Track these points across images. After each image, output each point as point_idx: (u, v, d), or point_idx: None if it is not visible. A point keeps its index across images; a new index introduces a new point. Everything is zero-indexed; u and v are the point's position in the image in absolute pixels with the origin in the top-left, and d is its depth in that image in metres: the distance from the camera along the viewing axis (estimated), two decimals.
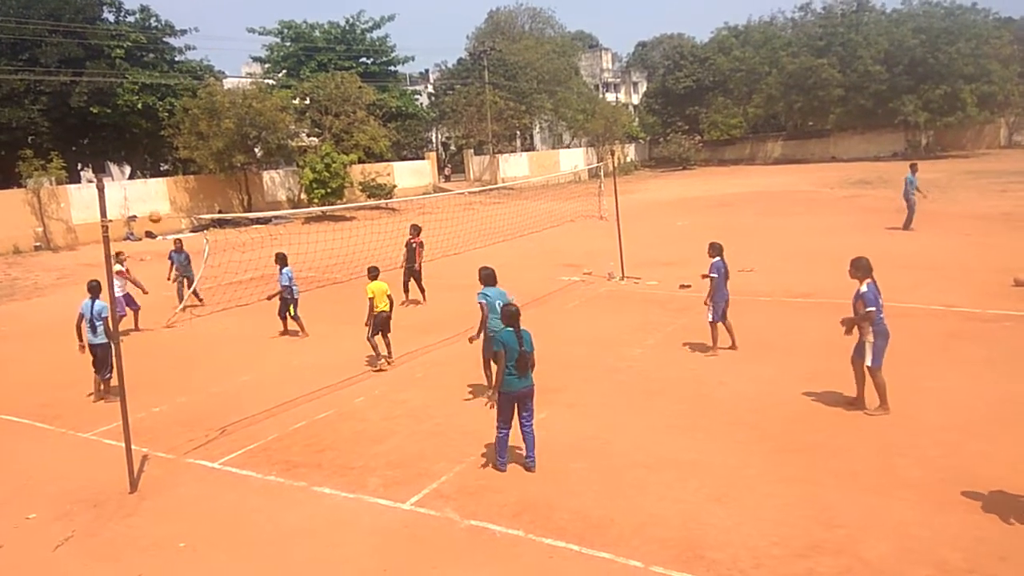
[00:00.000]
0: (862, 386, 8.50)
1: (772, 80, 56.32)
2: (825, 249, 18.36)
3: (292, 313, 13.51)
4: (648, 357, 11.13)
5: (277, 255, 13.80)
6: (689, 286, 15.51)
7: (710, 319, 10.95)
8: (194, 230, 28.78)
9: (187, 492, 7.55)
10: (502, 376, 7.28)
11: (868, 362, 8.29)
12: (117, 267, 13.44)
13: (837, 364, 9.45)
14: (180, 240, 17.29)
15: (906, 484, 6.72)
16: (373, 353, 11.39)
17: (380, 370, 11.15)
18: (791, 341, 11.31)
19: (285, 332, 13.74)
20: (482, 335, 9.18)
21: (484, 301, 9.17)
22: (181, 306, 16.06)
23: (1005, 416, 8.01)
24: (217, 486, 7.65)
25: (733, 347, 11.04)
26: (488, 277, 9.42)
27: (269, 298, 13.90)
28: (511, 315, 7.41)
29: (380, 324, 11.27)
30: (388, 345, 11.45)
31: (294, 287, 13.58)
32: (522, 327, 7.40)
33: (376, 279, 11.41)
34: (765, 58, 57.63)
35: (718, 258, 10.98)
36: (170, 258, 16.77)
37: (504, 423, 7.38)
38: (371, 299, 11.18)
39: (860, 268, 8.46)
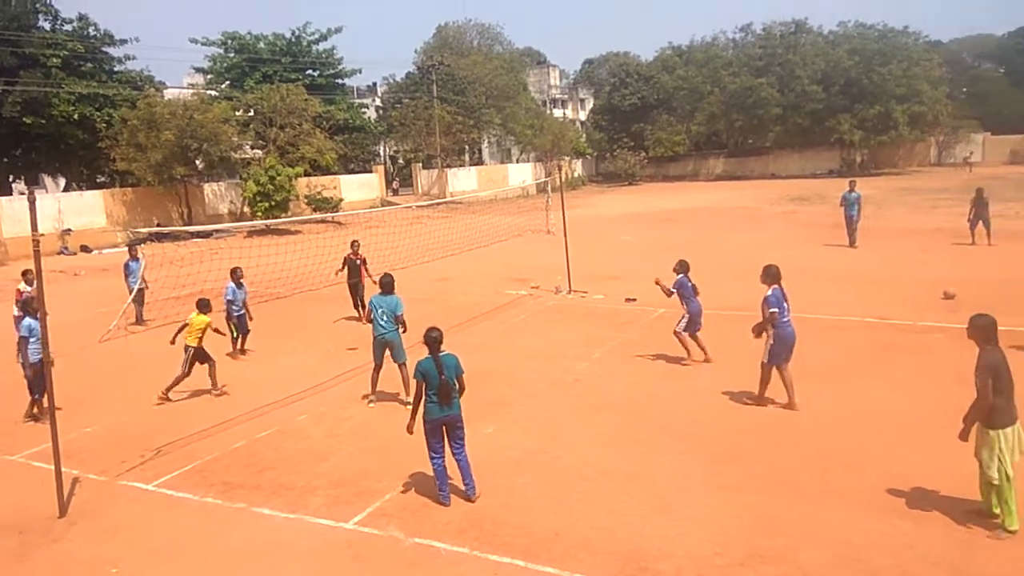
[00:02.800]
0: (791, 389, 8.96)
1: (714, 99, 57.85)
2: (764, 264, 18.79)
3: (232, 333, 12.66)
4: (594, 371, 11.21)
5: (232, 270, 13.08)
6: (635, 300, 15.73)
7: (679, 329, 11.12)
8: (130, 244, 27.89)
9: (119, 515, 7.27)
10: (418, 405, 7.03)
11: (764, 358, 8.89)
12: (23, 286, 12.75)
13: (775, 376, 9.66)
14: (136, 248, 16.68)
15: (842, 492, 6.90)
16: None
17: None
18: (731, 353, 11.51)
19: (234, 351, 12.86)
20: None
21: (369, 307, 9.98)
22: (134, 320, 15.67)
23: (936, 424, 8.28)
24: (151, 509, 7.39)
25: (707, 359, 11.20)
26: (386, 285, 9.97)
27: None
28: (430, 341, 7.08)
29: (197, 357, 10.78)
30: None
31: (233, 305, 12.70)
32: (448, 351, 7.14)
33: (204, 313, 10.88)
34: (707, 77, 59.18)
35: (683, 275, 11.13)
36: (127, 268, 16.15)
37: (435, 452, 7.06)
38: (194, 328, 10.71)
39: (769, 275, 9.02)
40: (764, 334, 8.96)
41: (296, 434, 9.17)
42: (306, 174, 38.37)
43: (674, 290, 11.08)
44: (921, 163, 58.23)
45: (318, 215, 34.41)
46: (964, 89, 63.10)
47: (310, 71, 48.07)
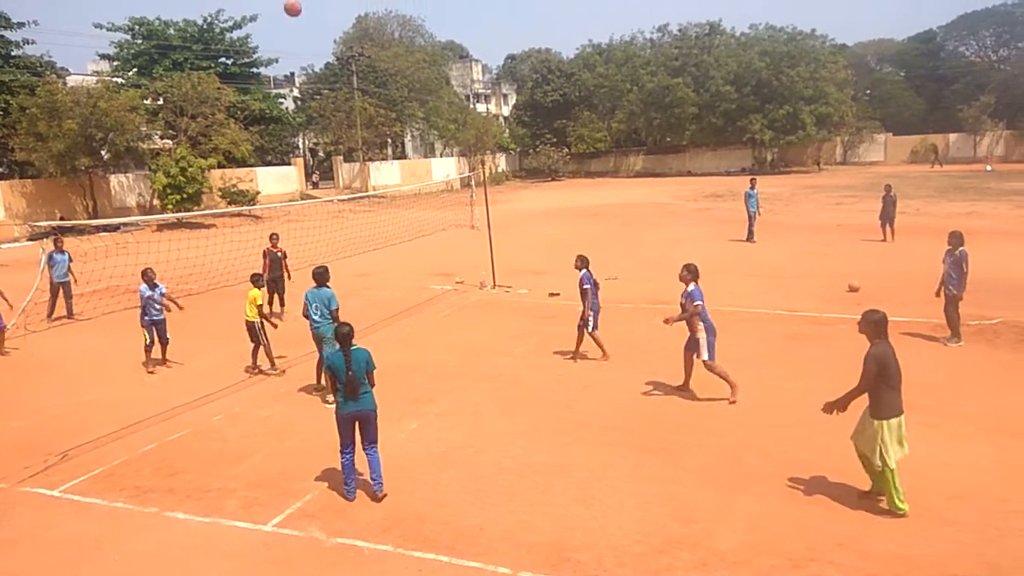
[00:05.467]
0: (689, 374, 9.45)
1: (633, 97, 59.03)
2: (682, 258, 19.15)
3: (146, 340, 11.66)
4: (518, 364, 11.28)
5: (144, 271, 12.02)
6: (558, 294, 15.90)
7: (591, 329, 11.06)
8: (31, 239, 26.34)
9: (23, 523, 6.88)
10: (336, 390, 7.03)
11: (704, 357, 9.11)
12: None
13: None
14: (61, 239, 15.74)
15: (755, 478, 7.18)
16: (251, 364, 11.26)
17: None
18: (651, 346, 11.81)
19: (149, 361, 11.85)
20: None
21: (304, 301, 9.90)
22: (59, 315, 14.96)
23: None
24: (57, 515, 7.02)
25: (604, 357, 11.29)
26: (319, 277, 9.89)
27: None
28: (341, 336, 7.03)
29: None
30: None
31: (150, 306, 11.60)
32: (359, 345, 7.06)
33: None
34: (627, 76, 60.30)
35: (585, 270, 10.99)
36: (51, 260, 15.16)
37: (344, 446, 7.02)
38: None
39: (691, 271, 9.28)
40: (691, 330, 9.18)
41: (211, 435, 8.88)
42: (220, 166, 37.10)
43: (585, 287, 10.84)
44: (827, 162, 60.97)
45: (233, 208, 33.34)
46: (868, 91, 66.57)
47: (223, 59, 46.40)
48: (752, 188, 23.09)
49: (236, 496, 7.25)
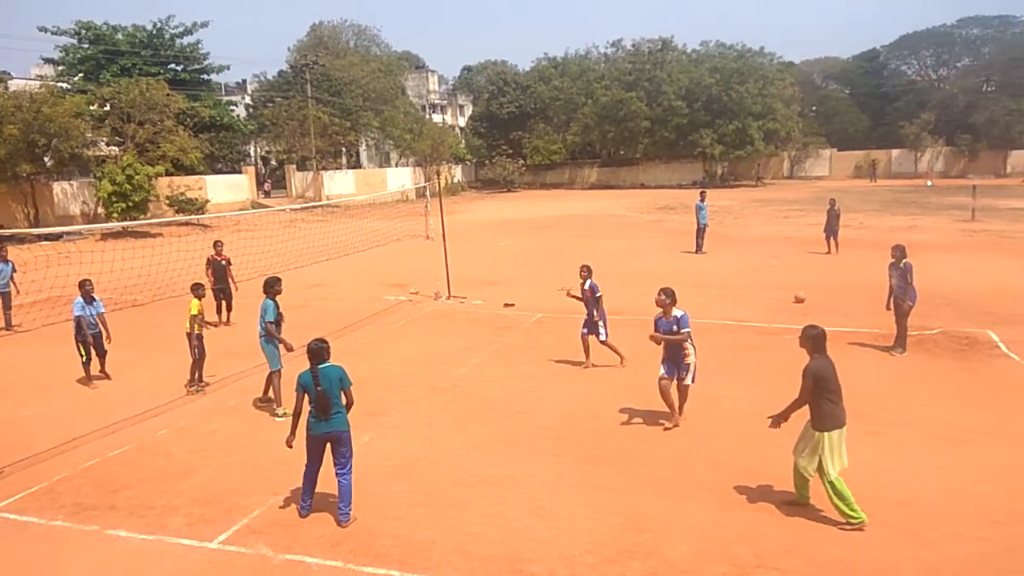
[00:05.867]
0: (679, 403, 8.95)
1: (588, 110, 59.70)
2: (634, 269, 19.61)
3: (82, 356, 11.18)
4: (472, 376, 11.26)
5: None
6: (513, 304, 15.95)
7: (603, 339, 11.20)
8: None
9: None
10: (298, 419, 6.76)
11: (689, 381, 8.78)
12: None
13: (643, 377, 10.11)
14: (5, 247, 15.14)
15: (703, 487, 7.29)
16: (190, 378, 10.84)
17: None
18: (603, 357, 11.90)
19: (87, 377, 11.37)
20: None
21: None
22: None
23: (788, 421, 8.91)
24: None
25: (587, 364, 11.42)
26: (264, 286, 9.75)
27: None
28: (309, 352, 6.82)
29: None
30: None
31: (87, 321, 11.10)
32: (332, 362, 6.87)
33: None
34: (581, 89, 60.96)
35: (591, 280, 11.21)
36: None
37: (308, 462, 6.80)
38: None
39: (669, 296, 8.84)
40: (686, 359, 8.76)
41: (155, 450, 8.64)
42: (168, 173, 36.27)
43: (599, 294, 11.14)
44: (775, 176, 62.61)
45: (181, 217, 32.60)
46: (813, 108, 68.54)
47: (173, 66, 45.50)
48: (702, 201, 23.53)
49: (181, 513, 7.07)
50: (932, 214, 32.50)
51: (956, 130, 59.98)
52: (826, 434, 6.44)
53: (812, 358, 6.63)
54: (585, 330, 11.36)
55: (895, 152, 61.49)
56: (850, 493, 6.41)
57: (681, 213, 35.83)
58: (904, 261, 11.65)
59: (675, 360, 8.78)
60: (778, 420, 6.77)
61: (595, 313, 11.17)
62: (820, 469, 6.46)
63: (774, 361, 11.41)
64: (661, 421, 8.92)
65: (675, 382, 8.84)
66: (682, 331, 8.65)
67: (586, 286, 11.20)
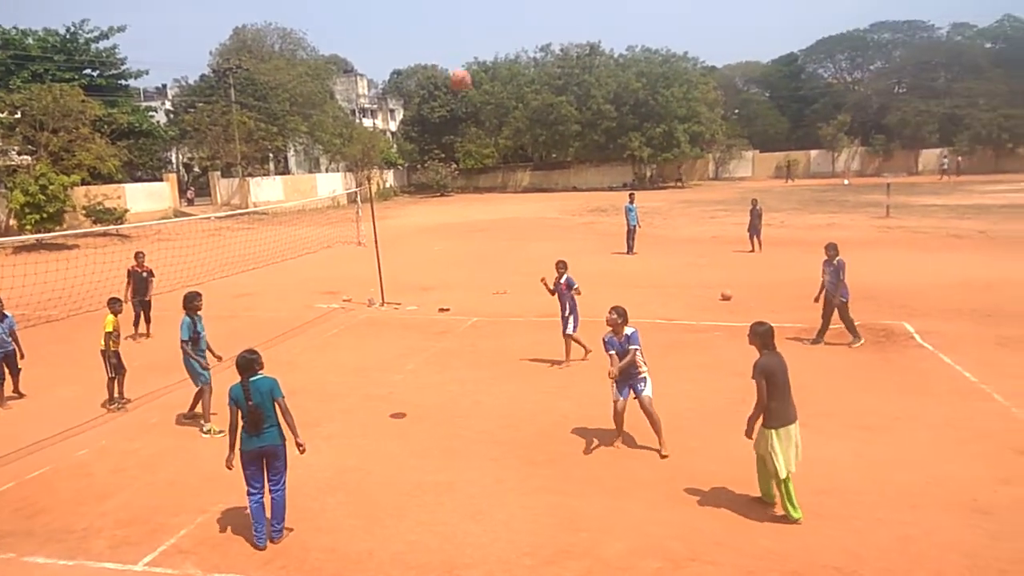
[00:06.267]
0: (656, 428, 8.24)
1: (519, 114, 60.09)
2: (570, 272, 19.73)
3: None
4: (408, 382, 11.15)
5: None
6: (448, 309, 15.88)
7: (568, 332, 11.40)
8: None
9: None
10: (234, 435, 6.53)
11: (648, 392, 8.20)
12: None
13: (579, 378, 10.21)
14: None
15: (639, 485, 7.40)
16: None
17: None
18: (540, 358, 11.98)
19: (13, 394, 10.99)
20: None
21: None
22: None
23: (715, 414, 9.16)
24: None
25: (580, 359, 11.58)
26: (183, 300, 9.52)
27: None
28: (238, 365, 6.57)
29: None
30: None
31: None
32: (264, 373, 6.66)
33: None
34: (512, 93, 61.32)
35: (566, 275, 11.55)
36: None
37: (252, 487, 6.48)
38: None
39: (621, 315, 8.43)
40: (640, 374, 8.27)
41: (75, 472, 8.25)
42: (84, 183, 34.76)
43: (576, 286, 11.47)
44: (701, 177, 64.30)
45: (99, 228, 31.26)
46: (736, 111, 70.69)
47: (88, 71, 43.70)
48: (631, 203, 23.97)
49: (103, 535, 6.76)
50: (849, 212, 33.90)
51: (871, 130, 62.85)
52: (773, 431, 6.48)
53: (761, 354, 6.65)
54: (570, 329, 11.52)
55: (814, 153, 63.97)
56: (794, 495, 6.51)
57: (612, 215, 36.38)
58: (837, 258, 12.08)
59: (629, 378, 8.23)
60: (750, 430, 6.67)
61: (567, 307, 11.40)
62: (774, 466, 6.48)
63: (703, 358, 11.69)
64: (617, 445, 8.37)
65: (634, 399, 8.26)
66: (630, 348, 8.16)
67: (562, 280, 11.53)
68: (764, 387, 6.46)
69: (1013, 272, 17.52)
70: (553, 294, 11.68)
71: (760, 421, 6.59)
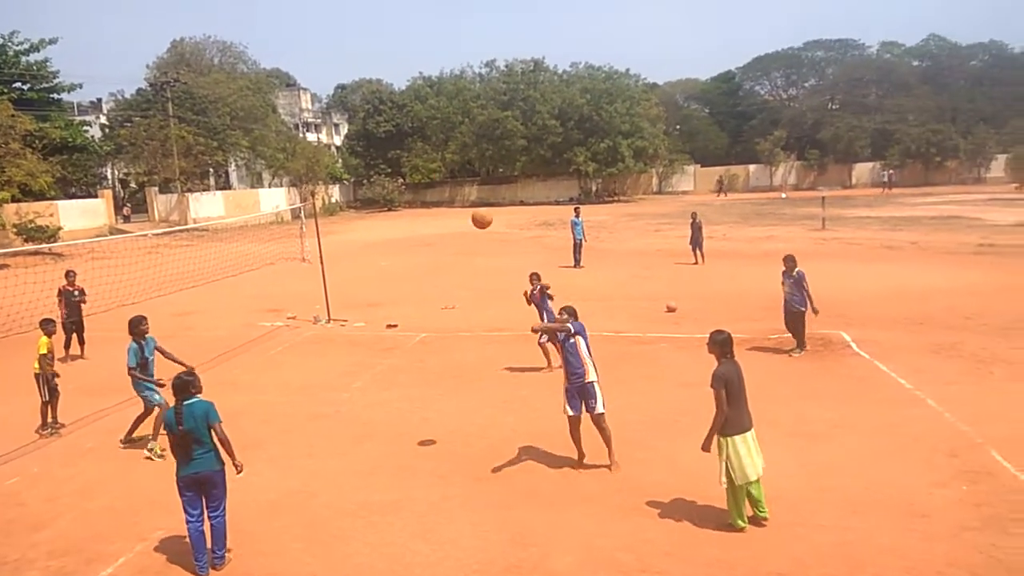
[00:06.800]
0: (608, 442, 8.12)
1: (465, 129, 60.29)
2: (516, 286, 19.75)
3: None
4: (355, 400, 10.99)
5: None
6: (396, 325, 15.74)
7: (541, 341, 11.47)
8: None
9: None
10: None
11: (600, 408, 7.96)
12: None
13: (528, 392, 10.22)
14: None
15: (587, 498, 7.42)
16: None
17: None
18: (488, 373, 11.96)
19: None
20: None
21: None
22: None
23: (662, 425, 9.28)
24: None
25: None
26: (131, 327, 9.31)
27: None
28: (173, 387, 6.41)
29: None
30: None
31: None
32: (203, 396, 6.48)
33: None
34: (458, 108, 61.51)
35: (539, 284, 11.95)
36: None
37: (189, 515, 6.28)
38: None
39: (569, 312, 8.52)
40: (586, 375, 7.96)
41: (6, 500, 7.88)
42: (15, 200, 33.53)
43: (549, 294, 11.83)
44: (646, 191, 65.62)
45: (30, 246, 30.08)
46: (677, 126, 72.30)
47: (18, 84, 42.19)
48: (577, 216, 24.19)
49: (37, 567, 6.48)
50: (787, 224, 34.91)
51: (806, 145, 65.04)
52: (728, 439, 6.53)
53: (719, 363, 6.71)
54: (543, 338, 11.52)
55: (752, 167, 65.90)
56: (743, 505, 6.61)
57: (559, 229, 36.68)
58: (796, 270, 12.38)
59: (581, 393, 7.95)
60: (707, 443, 6.69)
61: (544, 317, 11.62)
62: (727, 475, 6.53)
63: (650, 369, 11.84)
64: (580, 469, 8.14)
65: (586, 415, 8.01)
66: (574, 333, 7.96)
67: (536, 290, 11.92)
68: (723, 397, 6.51)
69: (945, 282, 18.25)
70: (530, 304, 12.01)
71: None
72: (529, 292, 12.08)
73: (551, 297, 11.93)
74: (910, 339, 13.03)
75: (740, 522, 6.62)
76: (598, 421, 8.01)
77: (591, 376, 7.99)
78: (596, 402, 7.97)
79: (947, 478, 7.48)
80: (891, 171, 58.82)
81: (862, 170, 63.31)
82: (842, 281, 18.73)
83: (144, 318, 9.47)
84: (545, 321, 11.42)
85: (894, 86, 65.40)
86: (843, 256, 23.93)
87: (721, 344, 6.78)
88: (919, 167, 60.68)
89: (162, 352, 9.54)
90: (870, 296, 16.87)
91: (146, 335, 9.34)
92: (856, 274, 20.17)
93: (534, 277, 12.22)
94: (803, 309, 12.36)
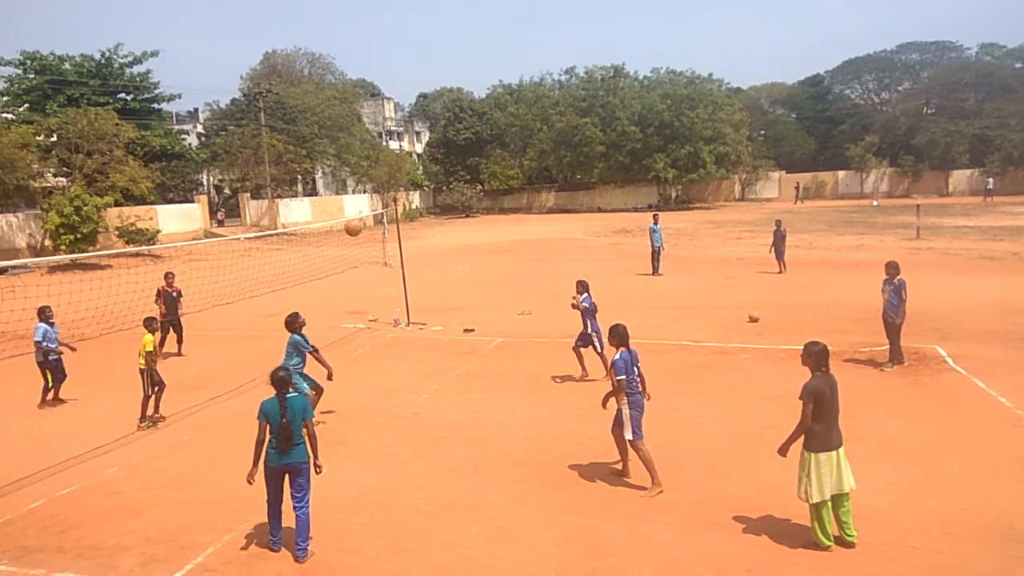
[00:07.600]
0: (625, 456, 8.10)
1: (543, 136, 60.39)
2: (594, 293, 19.72)
3: (47, 381, 11.51)
4: (433, 403, 11.17)
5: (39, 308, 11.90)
6: (473, 330, 15.90)
7: (599, 351, 11.59)
8: None
9: None
10: (260, 450, 6.56)
11: (628, 436, 7.75)
12: None
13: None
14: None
15: (665, 509, 7.31)
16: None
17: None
18: (564, 380, 11.94)
19: (44, 402, 11.64)
20: None
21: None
22: None
23: (745, 438, 9.05)
24: None
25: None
26: (288, 324, 10.02)
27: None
28: (275, 381, 6.69)
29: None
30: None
31: (48, 346, 11.50)
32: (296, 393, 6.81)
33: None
34: (537, 115, 61.68)
35: (586, 294, 11.84)
36: None
37: (270, 498, 6.66)
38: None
39: (617, 335, 7.95)
40: (617, 404, 7.87)
41: (104, 489, 8.35)
42: (117, 204, 35.54)
43: (585, 305, 11.77)
44: (727, 199, 64.05)
45: (131, 248, 31.89)
46: (762, 132, 70.40)
47: (122, 95, 44.81)
48: (655, 224, 23.89)
49: (132, 553, 6.83)
50: (878, 233, 33.47)
51: (899, 151, 62.13)
52: (813, 455, 6.32)
53: (813, 376, 6.49)
54: (579, 343, 11.84)
55: (841, 173, 63.42)
56: (827, 523, 6.36)
57: (637, 236, 36.30)
58: (898, 278, 11.88)
59: (618, 408, 7.88)
60: (785, 449, 6.55)
61: (589, 325, 11.67)
62: (806, 491, 6.33)
63: (731, 380, 11.56)
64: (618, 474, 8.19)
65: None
66: (616, 378, 7.75)
67: (582, 299, 11.84)
68: (810, 409, 6.30)
69: None
70: (575, 309, 12.01)
71: (801, 442, 6.44)
72: (577, 301, 11.87)
73: (575, 307, 11.86)
74: (1010, 355, 12.30)
75: (824, 540, 6.38)
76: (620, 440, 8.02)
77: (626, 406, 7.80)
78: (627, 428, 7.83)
79: None
80: (992, 178, 55.58)
81: (960, 177, 60.06)
82: (937, 293, 17.84)
83: (297, 314, 10.16)
84: (588, 329, 11.70)
85: (994, 89, 61.75)
86: (939, 267, 22.77)
87: (816, 356, 6.54)
88: (1021, 174, 57.16)
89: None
90: (967, 309, 16.00)
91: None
92: (952, 286, 19.17)
93: (580, 285, 12.04)
94: (897, 320, 11.83)
